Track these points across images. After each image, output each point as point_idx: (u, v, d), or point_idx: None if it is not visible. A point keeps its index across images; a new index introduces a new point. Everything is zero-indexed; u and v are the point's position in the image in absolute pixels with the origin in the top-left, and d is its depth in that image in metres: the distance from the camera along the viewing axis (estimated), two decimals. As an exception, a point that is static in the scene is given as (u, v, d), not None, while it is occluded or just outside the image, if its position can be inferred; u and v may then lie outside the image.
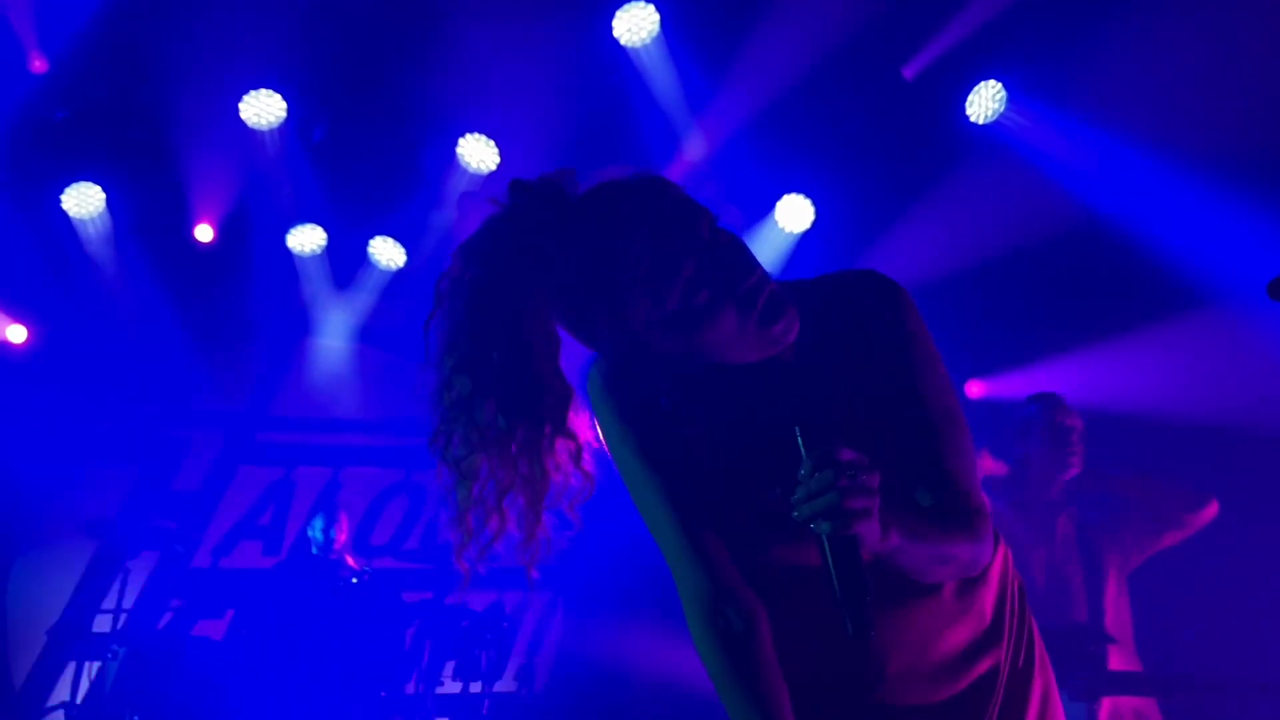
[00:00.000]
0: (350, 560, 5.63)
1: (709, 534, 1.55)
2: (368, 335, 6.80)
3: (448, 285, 1.45)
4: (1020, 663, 1.57)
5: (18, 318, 6.16)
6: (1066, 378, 5.30)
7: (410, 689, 5.44)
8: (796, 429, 1.29)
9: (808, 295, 1.58)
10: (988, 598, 1.56)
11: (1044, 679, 1.60)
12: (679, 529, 1.56)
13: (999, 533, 1.63)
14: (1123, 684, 3.39)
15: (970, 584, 1.55)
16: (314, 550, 5.66)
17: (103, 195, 5.92)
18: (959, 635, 1.53)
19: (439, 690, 5.59)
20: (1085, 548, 3.65)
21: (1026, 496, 3.78)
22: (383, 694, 5.20)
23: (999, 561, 1.60)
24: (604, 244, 1.41)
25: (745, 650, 1.51)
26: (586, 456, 1.50)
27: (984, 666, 1.53)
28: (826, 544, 1.25)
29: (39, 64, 5.15)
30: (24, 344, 6.19)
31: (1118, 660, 3.47)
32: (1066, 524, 3.71)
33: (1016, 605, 1.60)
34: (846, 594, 1.25)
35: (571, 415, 1.48)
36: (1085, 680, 3.25)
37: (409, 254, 6.53)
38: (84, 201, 5.92)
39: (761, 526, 1.54)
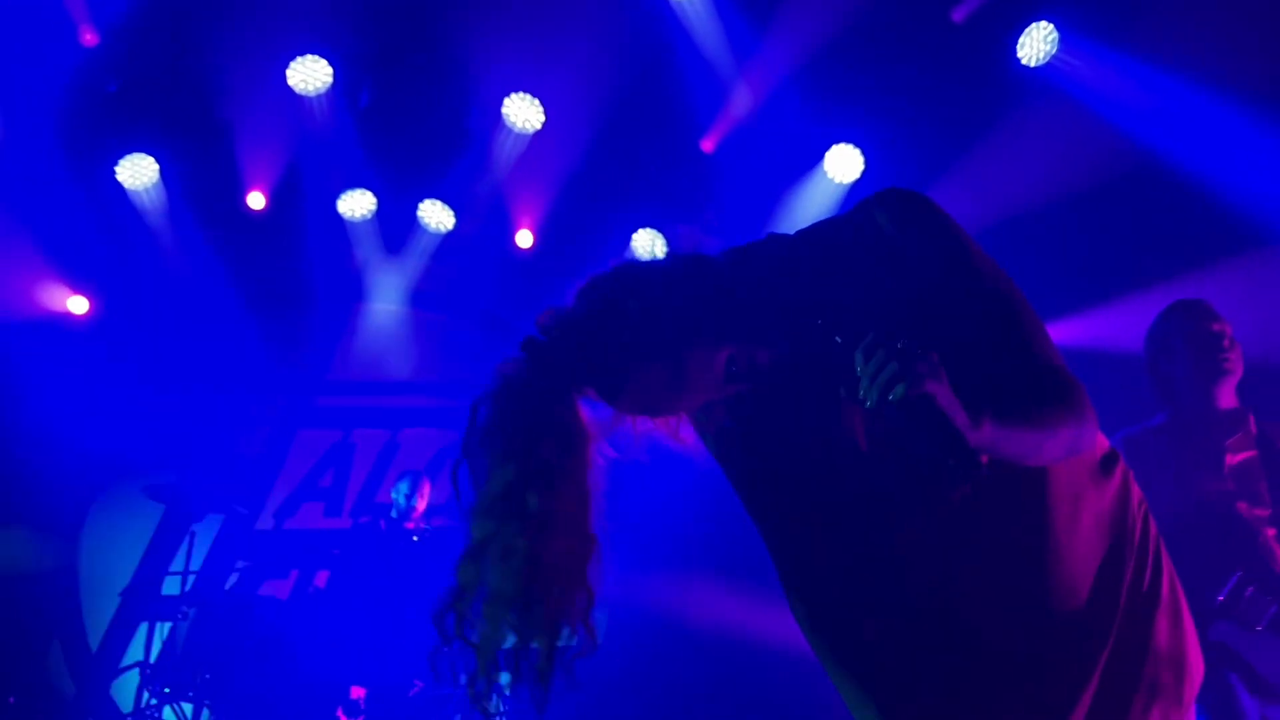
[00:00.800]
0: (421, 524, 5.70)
1: (797, 515, 1.56)
2: (420, 298, 6.84)
3: (479, 433, 1.49)
4: (1145, 585, 1.50)
5: (79, 289, 6.28)
6: (1127, 322, 5.20)
7: (471, 644, 5.52)
8: (836, 338, 1.32)
9: (825, 236, 1.58)
10: (1105, 518, 1.50)
11: (1174, 609, 1.52)
12: (767, 519, 1.60)
13: (1120, 453, 1.56)
14: None
15: (1083, 503, 1.49)
16: (393, 513, 5.70)
17: (156, 166, 6.01)
18: (1075, 554, 1.46)
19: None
20: (1272, 466, 2.99)
21: (1180, 423, 3.15)
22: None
23: (1117, 479, 1.53)
24: (613, 369, 1.46)
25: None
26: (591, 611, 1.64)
27: (1104, 584, 1.46)
28: (908, 412, 1.24)
29: (89, 37, 5.21)
30: (86, 315, 6.33)
31: None
32: (1243, 443, 3.06)
33: (1139, 526, 1.52)
34: (944, 443, 1.24)
35: (588, 569, 1.62)
36: None
37: (458, 216, 6.55)
38: (138, 173, 6.01)
39: (849, 498, 1.51)
